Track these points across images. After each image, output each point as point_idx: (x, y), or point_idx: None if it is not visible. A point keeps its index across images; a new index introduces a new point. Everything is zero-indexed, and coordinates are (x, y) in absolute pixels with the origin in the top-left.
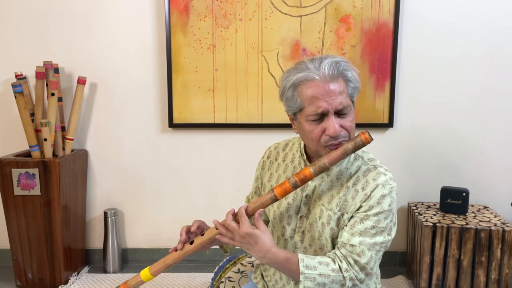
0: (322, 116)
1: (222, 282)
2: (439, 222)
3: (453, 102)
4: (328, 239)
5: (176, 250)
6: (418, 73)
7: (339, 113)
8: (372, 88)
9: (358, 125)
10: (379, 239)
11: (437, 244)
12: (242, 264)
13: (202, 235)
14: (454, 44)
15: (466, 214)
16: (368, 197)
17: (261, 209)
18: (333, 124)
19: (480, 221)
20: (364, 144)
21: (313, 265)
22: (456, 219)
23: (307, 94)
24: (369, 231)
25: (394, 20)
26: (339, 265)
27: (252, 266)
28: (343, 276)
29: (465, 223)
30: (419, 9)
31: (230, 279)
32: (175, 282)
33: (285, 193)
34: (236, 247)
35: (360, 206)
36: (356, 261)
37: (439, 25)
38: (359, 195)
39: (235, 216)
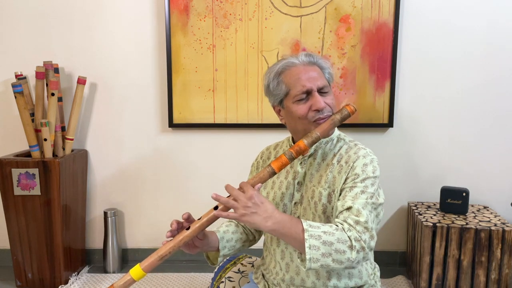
0: (307, 95)
1: (222, 282)
2: (439, 222)
3: (453, 102)
4: (321, 215)
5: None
6: (418, 73)
7: (321, 91)
8: (372, 88)
9: (358, 125)
10: (369, 200)
11: (437, 244)
12: (242, 264)
13: (199, 219)
14: (454, 44)
15: (466, 214)
16: (351, 167)
17: (260, 184)
18: (318, 98)
19: (480, 221)
20: (349, 114)
21: (316, 225)
22: (456, 219)
23: (291, 77)
24: (360, 196)
25: (394, 20)
26: (341, 227)
27: (252, 266)
28: (348, 236)
29: (465, 223)
30: (419, 9)
31: (230, 279)
32: (175, 282)
33: (282, 166)
34: (219, 263)
35: (347, 178)
36: (356, 222)
37: (439, 25)
38: (343, 169)
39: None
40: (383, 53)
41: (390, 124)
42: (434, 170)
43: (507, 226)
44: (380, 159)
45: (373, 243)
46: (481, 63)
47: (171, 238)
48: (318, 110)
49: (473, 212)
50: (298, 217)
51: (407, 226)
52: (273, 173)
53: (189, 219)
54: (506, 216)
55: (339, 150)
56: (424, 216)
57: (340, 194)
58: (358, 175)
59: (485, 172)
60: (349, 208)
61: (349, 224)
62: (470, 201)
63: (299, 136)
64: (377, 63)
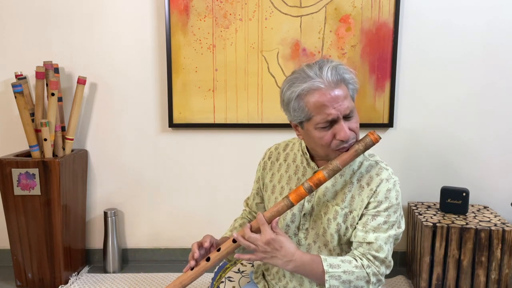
0: (331, 123)
1: (222, 282)
2: (439, 222)
3: (453, 102)
4: (334, 234)
5: (192, 269)
6: (418, 73)
7: (346, 117)
8: (372, 88)
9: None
10: (391, 232)
11: (437, 244)
12: (242, 264)
13: (218, 250)
14: (454, 44)
15: (466, 214)
16: (375, 192)
17: (278, 218)
18: (344, 129)
19: (480, 221)
20: (373, 144)
21: (336, 264)
22: (456, 219)
23: (315, 103)
24: (382, 227)
25: (394, 20)
26: (361, 263)
27: (253, 266)
28: (367, 273)
29: (465, 223)
30: (419, 9)
31: (230, 279)
32: None
33: (300, 199)
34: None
35: (369, 203)
36: (375, 257)
37: (439, 25)
38: (365, 191)
39: (251, 228)
40: (383, 53)
41: (390, 124)
42: (434, 170)
43: (507, 226)
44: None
45: (388, 271)
46: (481, 63)
47: (193, 263)
48: (342, 140)
49: (473, 212)
50: (307, 229)
51: (407, 226)
52: (291, 206)
53: (212, 245)
54: (506, 216)
55: (359, 168)
56: (424, 216)
57: (360, 219)
58: (381, 202)
59: (485, 172)
60: (370, 243)
61: (368, 260)
62: (470, 201)
63: (316, 153)
64: (377, 63)
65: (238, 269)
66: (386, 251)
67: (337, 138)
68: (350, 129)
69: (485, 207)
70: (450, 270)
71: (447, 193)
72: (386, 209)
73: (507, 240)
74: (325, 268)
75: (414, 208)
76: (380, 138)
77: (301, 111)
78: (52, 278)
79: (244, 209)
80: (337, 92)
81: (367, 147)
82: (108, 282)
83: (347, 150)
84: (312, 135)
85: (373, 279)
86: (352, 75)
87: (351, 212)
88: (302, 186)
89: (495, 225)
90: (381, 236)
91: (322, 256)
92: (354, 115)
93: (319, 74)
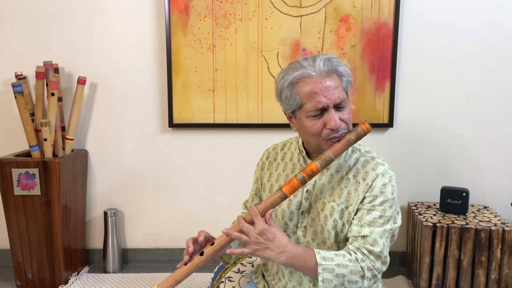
0: (322, 111)
1: (222, 282)
2: (439, 222)
3: (453, 102)
4: (330, 231)
5: (185, 264)
6: (418, 73)
7: (337, 107)
8: (372, 88)
9: None
10: (387, 227)
11: (437, 244)
12: (242, 264)
13: (212, 244)
14: (454, 44)
15: (466, 214)
16: (370, 187)
17: (271, 210)
18: (333, 117)
19: (480, 221)
20: (365, 133)
21: (330, 257)
22: (456, 219)
23: (306, 90)
24: (377, 221)
25: (394, 20)
26: (355, 256)
27: (252, 266)
28: (361, 267)
29: (465, 223)
30: (419, 9)
31: (230, 279)
32: None
33: (293, 190)
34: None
35: (364, 197)
36: (370, 251)
37: (439, 25)
38: (361, 186)
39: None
40: (383, 53)
41: (390, 124)
42: (434, 170)
43: (507, 226)
44: None
45: (385, 267)
46: (481, 63)
47: (187, 258)
48: (333, 129)
49: (473, 212)
50: (305, 226)
51: (407, 226)
52: (285, 198)
53: (207, 240)
54: (506, 216)
55: (355, 164)
56: (424, 216)
57: (355, 214)
58: (377, 196)
59: (485, 172)
60: (365, 236)
61: (363, 254)
62: (470, 201)
63: (310, 146)
64: (377, 63)
65: (238, 269)
66: (381, 245)
67: (327, 127)
68: (341, 119)
69: (485, 207)
70: (450, 270)
71: (447, 193)
72: (381, 203)
73: (507, 240)
74: (318, 260)
75: (414, 208)
76: (371, 127)
77: (293, 99)
78: (52, 278)
79: (242, 211)
80: (328, 81)
81: (359, 137)
82: (108, 282)
83: (339, 140)
84: (303, 124)
85: (368, 274)
86: (345, 67)
87: (347, 207)
88: (295, 177)
89: (495, 225)
90: (376, 230)
91: (315, 249)
92: (346, 106)
93: (312, 64)
